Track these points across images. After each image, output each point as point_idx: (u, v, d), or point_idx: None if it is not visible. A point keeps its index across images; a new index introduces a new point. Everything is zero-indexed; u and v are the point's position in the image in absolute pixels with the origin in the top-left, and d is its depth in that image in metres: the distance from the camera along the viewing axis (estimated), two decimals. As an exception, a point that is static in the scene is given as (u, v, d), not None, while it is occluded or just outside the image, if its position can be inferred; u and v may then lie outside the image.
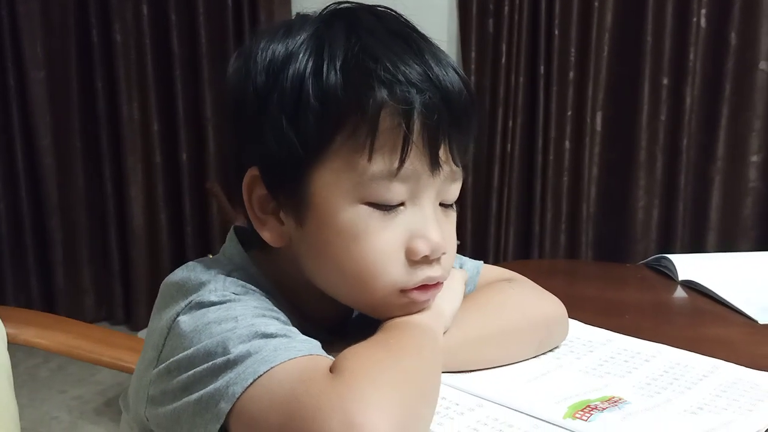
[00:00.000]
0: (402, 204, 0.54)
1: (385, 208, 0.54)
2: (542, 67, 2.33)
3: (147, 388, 0.54)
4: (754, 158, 2.30)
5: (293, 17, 0.59)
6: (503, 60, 2.34)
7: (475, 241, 2.49)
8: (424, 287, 0.56)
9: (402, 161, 0.52)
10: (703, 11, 2.23)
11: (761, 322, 0.87)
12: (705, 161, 2.33)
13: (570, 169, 2.39)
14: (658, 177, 2.35)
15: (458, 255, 0.74)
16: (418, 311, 0.57)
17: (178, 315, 0.53)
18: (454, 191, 0.58)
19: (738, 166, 2.31)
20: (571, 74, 2.32)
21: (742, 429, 0.55)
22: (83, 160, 2.73)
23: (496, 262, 0.76)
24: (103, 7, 2.58)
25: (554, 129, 2.36)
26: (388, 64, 0.52)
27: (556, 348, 0.71)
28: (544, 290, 0.72)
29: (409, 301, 0.56)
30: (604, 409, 0.57)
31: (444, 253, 0.56)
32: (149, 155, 2.69)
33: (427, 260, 0.55)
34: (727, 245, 2.32)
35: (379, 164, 0.52)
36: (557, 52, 2.31)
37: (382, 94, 0.52)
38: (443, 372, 0.61)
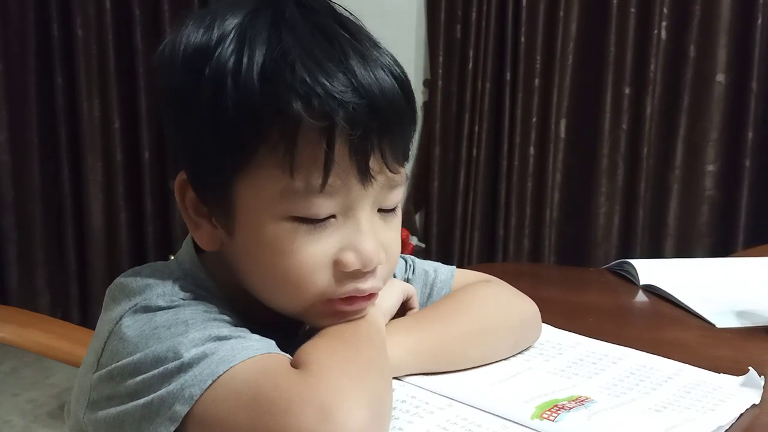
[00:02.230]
0: (333, 216, 0.52)
1: (313, 221, 0.51)
2: (508, 74, 2.35)
3: (87, 393, 0.52)
4: (710, 168, 2.37)
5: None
6: (470, 65, 2.36)
7: (441, 245, 2.50)
8: (351, 299, 0.54)
9: (325, 179, 0.49)
10: (664, 24, 2.29)
11: (718, 326, 0.89)
12: (664, 169, 2.39)
13: (534, 174, 2.42)
14: (619, 184, 2.40)
15: (431, 261, 0.75)
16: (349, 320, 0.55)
17: (121, 318, 0.52)
18: (394, 197, 0.55)
19: (695, 175, 2.37)
20: (537, 81, 2.36)
21: (704, 426, 0.56)
22: (40, 158, 2.65)
23: (461, 266, 0.77)
24: (65, 0, 2.52)
25: (519, 135, 2.39)
26: (305, 76, 0.48)
27: (526, 350, 0.72)
28: (518, 291, 0.73)
29: (336, 311, 0.54)
30: (570, 408, 0.58)
31: (380, 264, 0.54)
32: (109, 153, 2.63)
33: (359, 273, 0.53)
34: (684, 251, 2.38)
35: (301, 180, 0.49)
36: (523, 60, 2.34)
37: (299, 108, 0.48)
38: (424, 374, 0.62)
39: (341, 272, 0.52)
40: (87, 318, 2.74)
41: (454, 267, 0.75)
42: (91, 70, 2.56)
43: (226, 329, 0.50)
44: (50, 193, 2.69)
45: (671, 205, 2.39)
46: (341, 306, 0.54)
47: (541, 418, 0.56)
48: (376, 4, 2.26)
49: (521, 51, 2.33)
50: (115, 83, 2.59)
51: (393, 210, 0.56)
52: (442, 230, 2.50)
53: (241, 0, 0.54)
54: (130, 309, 0.52)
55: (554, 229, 2.46)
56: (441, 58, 2.41)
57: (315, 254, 0.51)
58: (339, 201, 0.51)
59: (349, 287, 0.53)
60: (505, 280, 0.75)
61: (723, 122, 2.34)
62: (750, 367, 0.67)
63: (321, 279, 0.52)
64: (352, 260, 0.52)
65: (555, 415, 0.56)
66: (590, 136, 2.38)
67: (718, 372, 0.68)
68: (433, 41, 2.41)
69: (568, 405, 0.58)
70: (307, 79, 0.48)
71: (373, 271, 0.53)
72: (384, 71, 0.51)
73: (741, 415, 0.60)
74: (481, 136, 2.41)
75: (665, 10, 2.28)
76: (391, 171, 0.52)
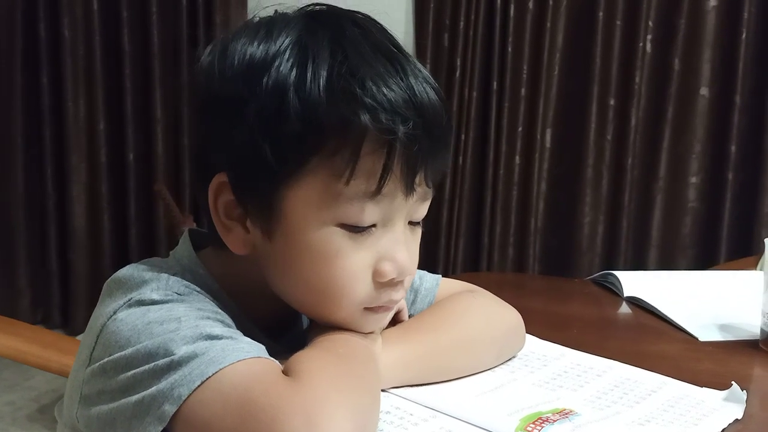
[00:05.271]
0: (374, 225, 0.54)
1: (358, 230, 0.53)
2: (495, 83, 2.37)
3: (80, 388, 0.52)
4: (694, 179, 2.40)
5: (272, 14, 0.57)
6: (457, 74, 2.37)
7: (426, 253, 2.50)
8: (382, 307, 0.57)
9: (380, 187, 0.52)
10: (649, 37, 2.32)
11: (701, 339, 0.89)
12: (648, 180, 2.41)
13: (519, 183, 2.43)
14: (603, 194, 2.42)
15: (417, 269, 0.75)
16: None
17: (115, 312, 0.52)
18: (423, 210, 0.58)
19: (678, 187, 2.40)
20: (523, 91, 2.37)
21: (687, 442, 0.56)
22: (24, 157, 2.62)
23: (445, 274, 0.78)
24: (52, 1, 2.50)
25: (505, 144, 2.40)
26: (373, 89, 0.51)
27: (510, 361, 0.72)
28: (503, 301, 0.73)
29: (368, 318, 0.57)
30: (555, 421, 0.58)
31: (411, 274, 0.57)
32: (94, 154, 2.61)
33: (393, 282, 0.55)
34: (667, 262, 2.40)
35: (356, 187, 0.52)
36: (510, 69, 2.35)
37: (366, 120, 0.50)
38: (413, 385, 0.62)
39: (377, 282, 0.55)
40: (68, 319, 2.71)
41: (440, 276, 0.75)
42: (78, 71, 2.54)
43: (218, 329, 0.50)
44: (33, 193, 2.66)
45: (655, 215, 2.41)
46: (378, 314, 0.57)
47: (525, 431, 0.56)
48: (366, 12, 2.26)
49: (508, 60, 2.35)
50: (101, 84, 2.57)
51: (418, 223, 0.58)
52: (427, 238, 2.50)
53: (294, 16, 0.56)
54: (124, 303, 0.52)
55: (539, 238, 2.48)
56: (428, 67, 2.41)
57: (356, 263, 0.54)
58: (383, 210, 0.53)
59: (384, 297, 0.56)
60: (490, 290, 0.75)
61: (706, 135, 2.37)
62: (733, 382, 0.67)
63: (360, 288, 0.54)
64: (389, 270, 0.54)
65: (539, 428, 0.56)
66: (575, 146, 2.40)
67: (701, 385, 0.69)
68: (420, 49, 2.42)
69: (552, 418, 0.58)
70: (376, 93, 0.51)
71: (403, 281, 0.56)
72: (433, 90, 0.54)
73: (723, 430, 0.61)
74: (467, 144, 2.41)
75: (651, 23, 2.31)
76: (427, 185, 0.56)
